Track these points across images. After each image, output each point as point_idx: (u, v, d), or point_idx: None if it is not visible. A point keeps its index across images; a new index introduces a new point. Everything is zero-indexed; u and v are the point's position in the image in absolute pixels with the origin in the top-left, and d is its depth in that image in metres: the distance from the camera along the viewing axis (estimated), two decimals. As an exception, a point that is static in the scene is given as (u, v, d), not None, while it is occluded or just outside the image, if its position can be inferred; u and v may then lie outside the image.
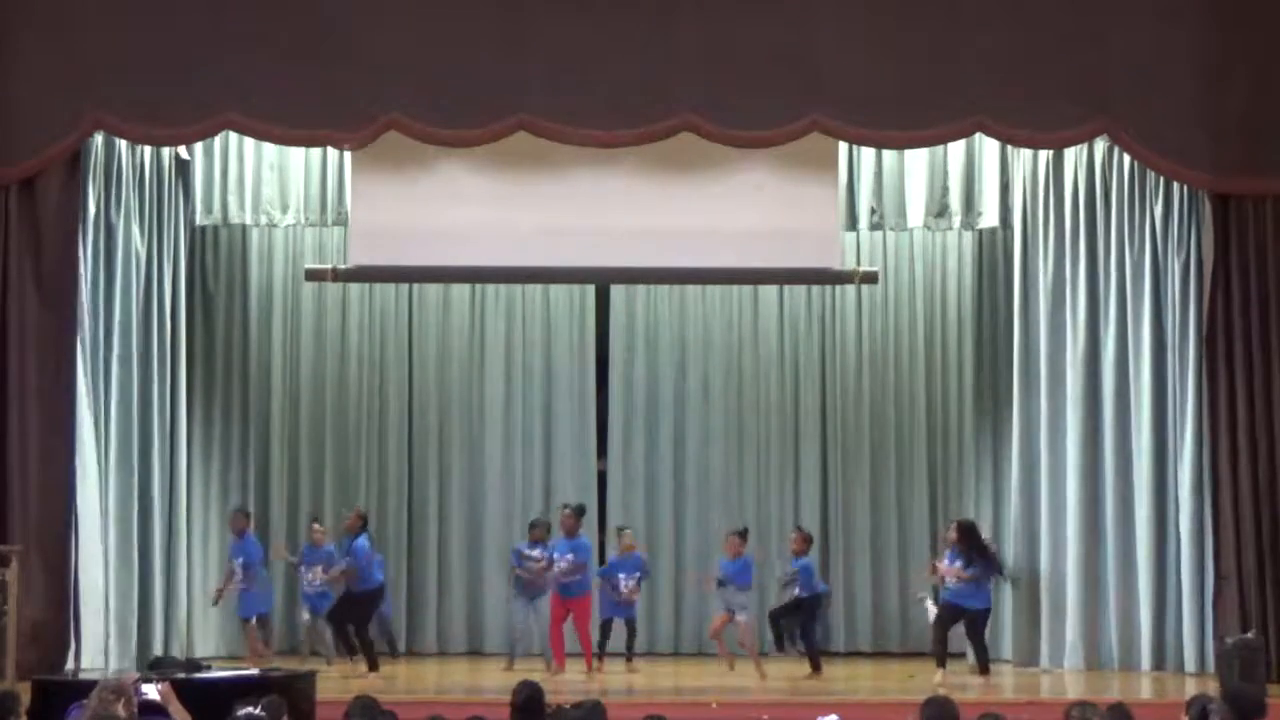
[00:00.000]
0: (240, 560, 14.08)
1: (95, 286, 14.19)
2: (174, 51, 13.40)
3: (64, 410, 13.63)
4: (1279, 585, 13.49)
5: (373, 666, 13.72)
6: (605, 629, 14.44)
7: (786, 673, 14.00)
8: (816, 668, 13.95)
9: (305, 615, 14.58)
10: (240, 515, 14.44)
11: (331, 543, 14.49)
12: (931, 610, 14.30)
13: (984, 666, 13.55)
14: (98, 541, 13.99)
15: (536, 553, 14.57)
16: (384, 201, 14.26)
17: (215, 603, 14.54)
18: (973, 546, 13.58)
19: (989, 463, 15.98)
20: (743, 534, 14.13)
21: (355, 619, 13.95)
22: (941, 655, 13.46)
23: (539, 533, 14.71)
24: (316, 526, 14.57)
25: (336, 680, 12.90)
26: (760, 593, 15.06)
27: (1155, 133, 13.56)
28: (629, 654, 14.43)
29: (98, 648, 13.85)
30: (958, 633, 13.86)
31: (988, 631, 14.03)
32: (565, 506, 14.56)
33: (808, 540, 14.28)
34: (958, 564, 13.58)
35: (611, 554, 14.93)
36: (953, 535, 13.75)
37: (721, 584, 13.92)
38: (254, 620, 14.15)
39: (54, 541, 13.47)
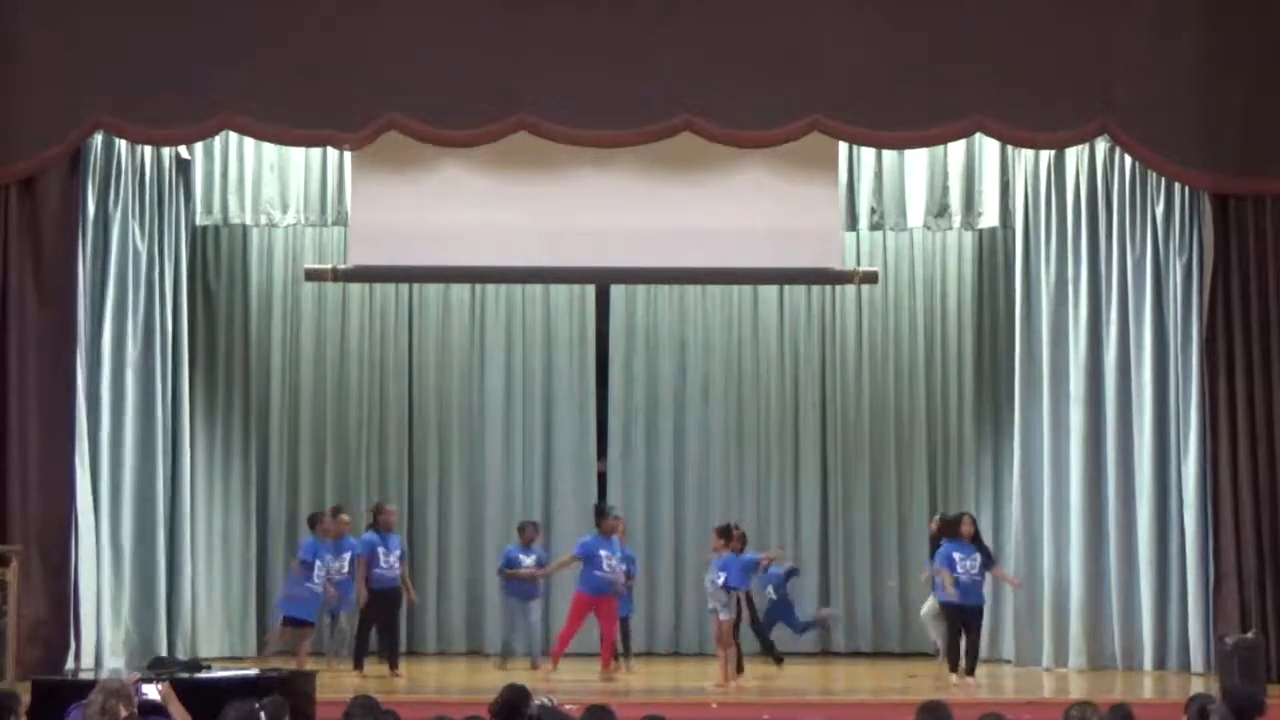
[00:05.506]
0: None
1: (95, 286, 14.20)
2: (174, 51, 13.39)
3: (64, 410, 13.64)
4: (1279, 585, 13.50)
5: (357, 665, 13.84)
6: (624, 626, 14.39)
7: (789, 673, 14.01)
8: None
9: (341, 620, 14.52)
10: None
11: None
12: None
13: (971, 666, 13.43)
14: (97, 541, 13.99)
15: (531, 559, 14.59)
16: (384, 201, 14.26)
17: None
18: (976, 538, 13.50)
19: (989, 462, 15.98)
20: (722, 531, 13.85)
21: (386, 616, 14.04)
22: (956, 658, 13.32)
23: (529, 535, 14.73)
24: (344, 517, 14.45)
25: (335, 680, 12.90)
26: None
27: (1155, 133, 13.56)
28: (625, 654, 14.39)
29: (98, 648, 13.86)
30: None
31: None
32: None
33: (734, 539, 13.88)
34: (975, 559, 13.39)
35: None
36: (969, 529, 13.45)
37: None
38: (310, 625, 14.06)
39: (54, 541, 13.47)
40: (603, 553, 13.75)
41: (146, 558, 14.57)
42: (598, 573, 13.73)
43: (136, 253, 14.53)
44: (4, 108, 13.44)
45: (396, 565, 13.92)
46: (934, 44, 13.46)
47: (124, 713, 7.24)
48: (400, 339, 16.46)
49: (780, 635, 14.78)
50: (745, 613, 13.90)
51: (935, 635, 14.10)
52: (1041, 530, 14.67)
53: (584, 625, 14.01)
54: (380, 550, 13.86)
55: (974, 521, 13.64)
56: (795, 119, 13.45)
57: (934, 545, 13.99)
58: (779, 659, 14.29)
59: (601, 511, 14.22)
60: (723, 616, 13.32)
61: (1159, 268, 14.36)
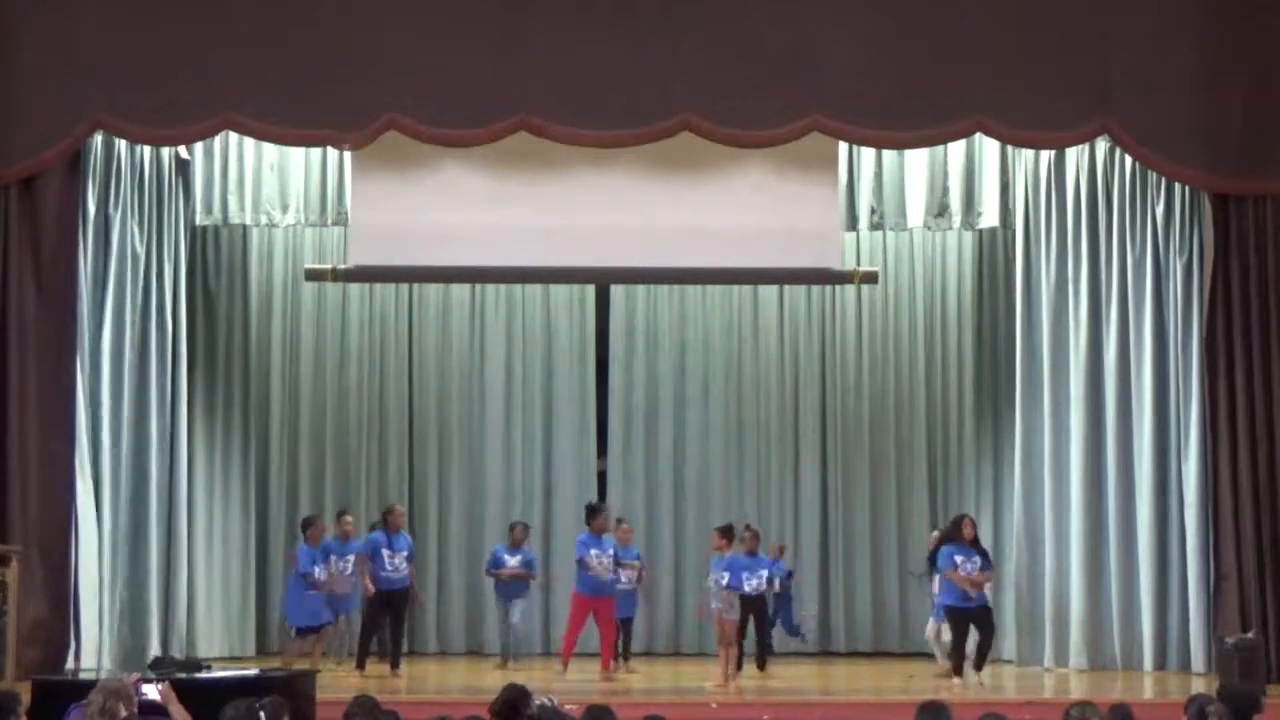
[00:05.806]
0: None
1: (95, 286, 14.21)
2: (174, 51, 13.39)
3: (64, 410, 13.64)
4: (1279, 585, 13.50)
5: (360, 665, 13.83)
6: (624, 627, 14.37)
7: (790, 673, 14.00)
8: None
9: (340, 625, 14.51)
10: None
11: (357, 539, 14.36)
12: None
13: (979, 663, 13.38)
14: (97, 541, 13.99)
15: (516, 559, 14.60)
16: (384, 201, 14.25)
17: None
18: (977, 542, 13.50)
19: (989, 462, 15.99)
20: (724, 530, 13.81)
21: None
22: (960, 661, 13.20)
23: (518, 536, 14.72)
24: (348, 519, 14.45)
25: (335, 680, 12.90)
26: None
27: (1155, 133, 13.56)
28: (625, 655, 14.38)
29: (98, 648, 13.85)
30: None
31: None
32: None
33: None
34: (975, 562, 13.34)
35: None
36: (970, 532, 13.33)
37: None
38: (325, 628, 14.04)
39: (54, 541, 13.47)
40: (593, 552, 13.74)
41: (146, 557, 14.54)
42: (591, 573, 13.75)
43: (136, 252, 14.52)
44: (4, 108, 13.44)
45: (403, 566, 13.88)
46: (934, 44, 13.46)
47: (124, 713, 7.24)
48: (400, 339, 16.48)
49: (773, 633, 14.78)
50: (747, 615, 13.92)
51: (940, 654, 14.03)
52: (1042, 530, 14.66)
53: (586, 625, 13.98)
54: (385, 551, 13.84)
55: (974, 524, 13.63)
56: (795, 119, 13.45)
57: (932, 559, 14.06)
58: (762, 663, 14.25)
59: (593, 510, 14.21)
60: (726, 616, 13.31)
61: (1159, 268, 14.36)
